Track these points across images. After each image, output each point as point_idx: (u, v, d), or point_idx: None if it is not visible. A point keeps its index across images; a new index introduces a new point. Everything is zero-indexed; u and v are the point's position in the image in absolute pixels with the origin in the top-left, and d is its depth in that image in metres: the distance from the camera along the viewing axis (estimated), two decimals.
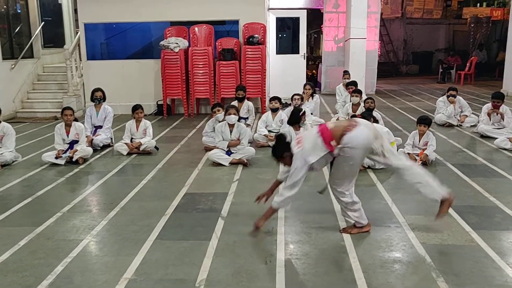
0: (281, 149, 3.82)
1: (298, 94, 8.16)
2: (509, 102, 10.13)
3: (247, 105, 8.21)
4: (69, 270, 3.38)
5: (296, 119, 6.53)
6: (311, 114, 8.36)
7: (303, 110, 6.72)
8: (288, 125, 6.53)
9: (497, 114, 7.66)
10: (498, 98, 7.66)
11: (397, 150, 6.09)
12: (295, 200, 4.71)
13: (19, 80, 10.77)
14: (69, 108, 6.60)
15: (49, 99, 10.86)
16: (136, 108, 6.97)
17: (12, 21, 11.11)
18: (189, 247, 3.71)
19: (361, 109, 8.02)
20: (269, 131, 7.32)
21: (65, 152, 6.37)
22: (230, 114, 6.30)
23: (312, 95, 8.78)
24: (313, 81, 15.34)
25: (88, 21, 10.56)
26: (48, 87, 11.28)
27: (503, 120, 7.59)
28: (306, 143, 3.68)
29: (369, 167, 5.79)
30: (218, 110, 6.78)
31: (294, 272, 3.29)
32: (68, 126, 6.50)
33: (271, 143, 7.07)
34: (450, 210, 4.36)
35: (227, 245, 3.72)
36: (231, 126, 6.32)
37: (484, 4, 23.20)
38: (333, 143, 3.59)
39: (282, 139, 3.83)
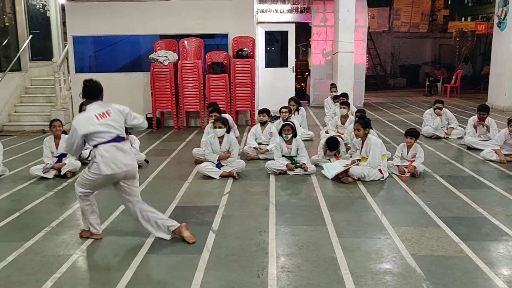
0: None
1: (285, 107, 8.22)
2: (494, 115, 10.28)
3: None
4: (59, 285, 3.34)
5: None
6: (300, 126, 8.41)
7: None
8: (280, 137, 6.54)
9: (483, 127, 7.77)
10: (484, 111, 7.78)
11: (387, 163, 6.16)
12: (285, 213, 4.73)
13: (6, 93, 10.69)
14: (57, 120, 6.57)
15: (37, 112, 10.78)
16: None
17: None
18: (180, 261, 3.69)
19: (349, 121, 8.10)
20: (259, 143, 7.34)
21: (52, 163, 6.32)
22: (215, 127, 6.28)
23: (297, 109, 8.86)
24: (301, 94, 15.47)
25: (77, 34, 10.55)
26: (36, 100, 11.21)
27: (489, 132, 7.70)
28: None
29: (358, 179, 5.83)
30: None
31: (286, 285, 3.29)
32: (57, 138, 6.46)
33: (261, 156, 7.10)
34: (439, 221, 4.42)
35: (219, 259, 3.71)
36: (221, 138, 6.32)
37: (469, 18, 23.70)
38: None
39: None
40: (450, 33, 20.97)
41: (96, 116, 3.90)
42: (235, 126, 8.22)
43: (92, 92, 4.01)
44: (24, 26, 11.76)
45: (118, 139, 3.92)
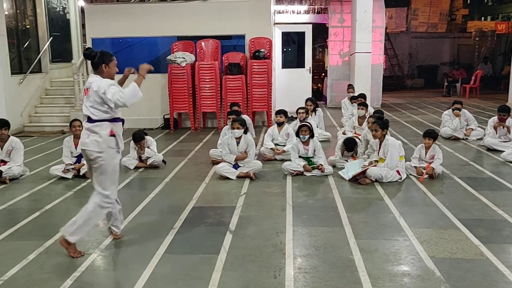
0: None
1: (302, 108, 8.20)
2: None
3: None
4: (78, 284, 3.38)
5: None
6: (317, 127, 8.39)
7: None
8: (297, 138, 6.53)
9: (503, 127, 7.65)
10: (504, 112, 7.66)
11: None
12: (302, 214, 4.73)
13: (27, 95, 10.88)
14: (77, 120, 6.64)
15: (57, 113, 10.95)
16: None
17: (21, 36, 11.26)
18: (197, 261, 3.71)
19: (367, 123, 8.04)
20: (276, 144, 7.34)
21: (72, 164, 6.41)
22: (234, 128, 6.31)
23: (314, 110, 8.83)
24: (318, 95, 15.43)
25: (96, 36, 10.68)
26: (56, 101, 11.39)
27: (510, 133, 7.59)
28: None
29: (376, 181, 5.79)
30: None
31: (303, 286, 3.29)
32: (76, 138, 6.54)
33: (278, 157, 7.10)
34: (459, 224, 4.36)
35: (236, 259, 3.72)
36: (238, 138, 6.34)
37: (489, 17, 23.33)
38: None
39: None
40: (469, 32, 20.69)
41: (84, 90, 3.93)
42: (252, 127, 8.23)
43: (91, 62, 3.92)
44: (45, 28, 11.96)
45: (88, 119, 3.88)
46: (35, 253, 3.91)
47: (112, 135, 3.88)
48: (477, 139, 8.35)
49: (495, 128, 7.69)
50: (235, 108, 7.87)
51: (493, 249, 3.80)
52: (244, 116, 7.65)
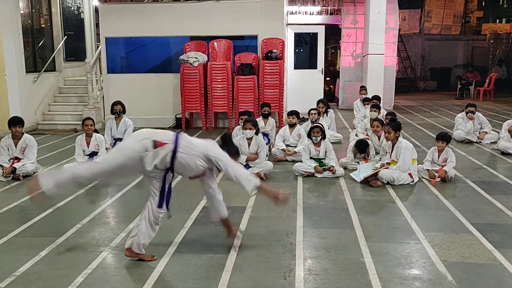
0: None
1: (315, 109, 8.17)
2: None
3: (271, 121, 8.00)
4: (89, 281, 3.41)
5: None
6: (328, 128, 8.36)
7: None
8: (308, 140, 6.51)
9: None
10: None
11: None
12: (313, 216, 4.71)
13: (41, 93, 10.99)
14: (90, 118, 6.70)
15: (70, 112, 11.05)
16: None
17: (35, 35, 11.37)
18: (208, 260, 3.71)
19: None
20: (287, 145, 7.32)
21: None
22: (246, 129, 6.31)
23: (326, 111, 8.80)
24: (330, 96, 15.37)
25: (109, 35, 10.76)
26: (69, 99, 11.48)
27: None
28: None
29: (388, 183, 5.75)
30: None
31: (313, 287, 3.27)
32: (88, 136, 6.60)
33: (289, 158, 7.08)
34: (471, 228, 4.32)
35: (246, 260, 3.71)
36: (249, 139, 6.34)
37: (504, 20, 23.06)
38: None
39: None
40: (483, 35, 20.48)
41: None
42: (274, 132, 8.01)
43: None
44: (59, 27, 12.08)
45: None
46: (47, 250, 3.94)
47: None
48: (491, 142, 8.26)
49: (509, 131, 7.60)
50: (266, 109, 7.94)
51: (507, 254, 3.75)
52: (271, 119, 7.88)
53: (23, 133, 6.55)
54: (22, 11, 10.51)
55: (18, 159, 6.44)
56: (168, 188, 3.70)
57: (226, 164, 3.69)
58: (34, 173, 6.50)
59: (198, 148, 3.69)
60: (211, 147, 3.76)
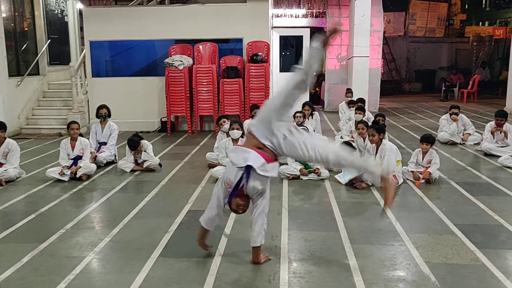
0: None
1: (300, 112, 8.17)
2: None
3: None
4: (72, 287, 3.36)
5: None
6: (313, 131, 8.37)
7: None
8: None
9: (500, 132, 7.65)
10: (502, 116, 7.67)
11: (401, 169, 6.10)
12: (298, 219, 4.71)
13: (24, 97, 10.86)
14: (75, 122, 6.64)
15: (54, 116, 10.93)
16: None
17: (18, 38, 11.23)
18: (192, 265, 3.69)
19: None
20: None
21: (69, 167, 6.38)
22: (233, 129, 6.31)
23: (311, 114, 8.83)
24: (316, 99, 15.43)
25: (94, 38, 10.68)
26: (53, 103, 11.37)
27: (507, 138, 7.58)
28: None
29: (372, 185, 5.78)
30: (224, 122, 6.80)
31: None
32: (73, 140, 6.54)
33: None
34: (455, 229, 4.36)
35: (230, 263, 3.70)
36: (235, 141, 6.33)
37: (486, 23, 23.42)
38: None
39: None
40: (467, 37, 20.78)
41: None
42: None
43: None
44: (43, 31, 11.94)
45: None
46: (30, 256, 3.89)
47: None
48: (475, 144, 8.36)
49: (492, 133, 7.70)
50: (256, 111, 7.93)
51: (489, 255, 3.79)
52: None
53: (5, 138, 6.46)
54: (4, 14, 10.39)
55: (0, 164, 6.35)
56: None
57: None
58: (17, 178, 6.43)
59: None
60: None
